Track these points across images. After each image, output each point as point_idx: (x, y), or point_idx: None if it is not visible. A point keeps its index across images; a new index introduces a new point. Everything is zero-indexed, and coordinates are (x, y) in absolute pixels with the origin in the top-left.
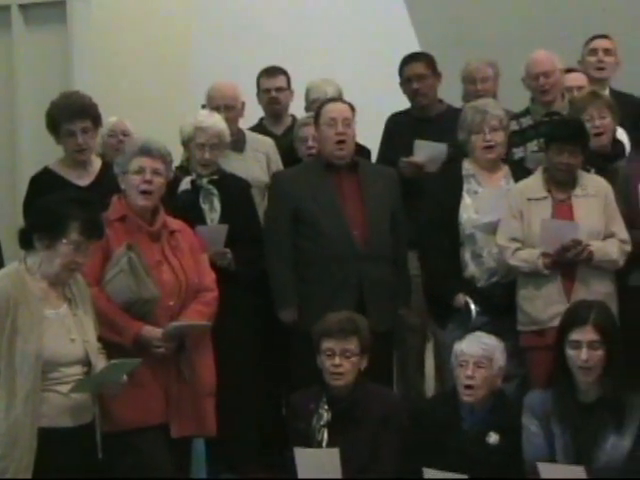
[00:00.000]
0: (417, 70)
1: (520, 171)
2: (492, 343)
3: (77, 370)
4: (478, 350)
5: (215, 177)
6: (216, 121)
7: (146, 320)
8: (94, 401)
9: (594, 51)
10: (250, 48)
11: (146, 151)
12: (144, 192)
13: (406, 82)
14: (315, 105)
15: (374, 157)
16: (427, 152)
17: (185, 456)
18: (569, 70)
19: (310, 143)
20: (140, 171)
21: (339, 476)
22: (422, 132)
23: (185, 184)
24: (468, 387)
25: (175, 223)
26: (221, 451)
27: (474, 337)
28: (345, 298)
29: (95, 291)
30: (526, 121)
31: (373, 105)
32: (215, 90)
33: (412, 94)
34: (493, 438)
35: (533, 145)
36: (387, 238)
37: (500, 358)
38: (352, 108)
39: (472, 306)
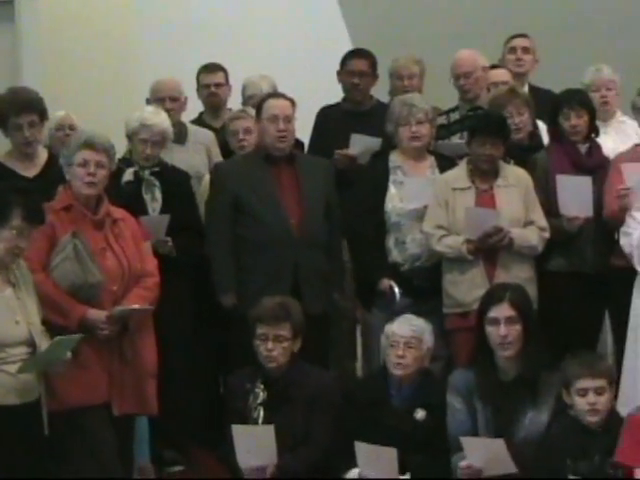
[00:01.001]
0: (361, 67)
1: (445, 162)
2: (421, 325)
3: (22, 350)
4: (408, 331)
5: (157, 169)
6: (161, 120)
7: (91, 304)
8: (39, 380)
9: (513, 49)
10: (191, 46)
11: (90, 145)
12: (88, 183)
13: (347, 75)
14: (252, 100)
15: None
16: (362, 145)
17: (128, 434)
18: (494, 66)
19: (241, 136)
20: (84, 164)
21: (274, 451)
22: (352, 125)
23: (128, 175)
24: (398, 364)
25: (118, 212)
26: (163, 429)
27: (405, 319)
28: (281, 283)
29: (42, 276)
30: (454, 116)
31: (306, 99)
32: (160, 83)
33: (351, 87)
34: (420, 414)
35: (456, 138)
36: (322, 226)
37: (429, 339)
38: (293, 104)
39: (396, 289)
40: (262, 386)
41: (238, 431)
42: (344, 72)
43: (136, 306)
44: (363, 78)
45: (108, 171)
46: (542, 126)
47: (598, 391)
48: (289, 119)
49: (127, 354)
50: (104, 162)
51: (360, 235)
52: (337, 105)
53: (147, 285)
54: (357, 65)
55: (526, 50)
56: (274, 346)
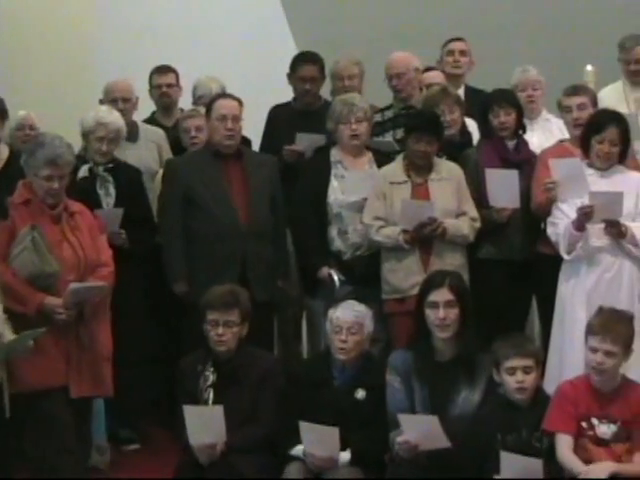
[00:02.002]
0: (312, 73)
1: (381, 157)
2: (363, 311)
3: None
4: (351, 317)
5: (110, 165)
6: (115, 118)
7: (48, 293)
8: (1, 365)
9: (451, 52)
10: (144, 49)
11: (54, 163)
12: (51, 193)
13: (299, 80)
14: (202, 100)
15: (255, 146)
16: (307, 142)
17: (85, 414)
18: (429, 69)
19: (193, 134)
20: (49, 179)
21: (223, 430)
22: (302, 123)
23: (83, 172)
24: (342, 349)
25: (75, 206)
26: (119, 409)
27: (347, 305)
28: (230, 271)
29: (2, 267)
30: (388, 114)
31: (252, 99)
32: (113, 85)
33: (302, 92)
34: (361, 394)
35: (390, 135)
36: (267, 218)
37: (369, 324)
38: (240, 104)
39: (335, 277)
40: (212, 369)
41: (189, 411)
42: (295, 77)
43: (90, 284)
44: (313, 83)
45: (67, 180)
46: (474, 124)
47: (526, 370)
48: (236, 118)
49: (83, 340)
50: (66, 174)
51: (304, 226)
52: (288, 104)
53: (102, 274)
54: (308, 71)
55: (463, 53)
56: (224, 331)
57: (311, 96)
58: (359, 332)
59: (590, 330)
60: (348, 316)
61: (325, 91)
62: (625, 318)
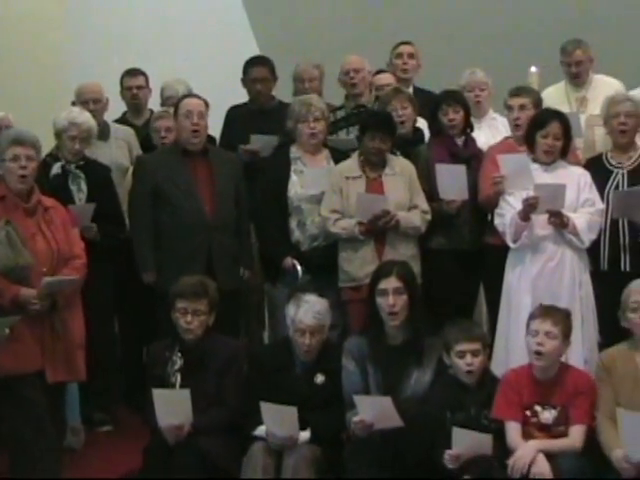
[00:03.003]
0: (262, 74)
1: (338, 154)
2: (323, 310)
3: None
4: (312, 321)
5: (81, 163)
6: (87, 118)
7: (23, 284)
8: None
9: (400, 55)
10: (115, 53)
11: (19, 141)
12: (21, 176)
13: (251, 82)
14: (169, 101)
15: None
16: (261, 143)
17: (60, 398)
18: (380, 71)
19: (163, 133)
20: (16, 159)
21: (190, 412)
22: (258, 123)
23: (56, 169)
24: (306, 352)
25: (48, 201)
26: (93, 393)
27: (309, 307)
28: (197, 262)
29: None
30: (340, 114)
31: (217, 100)
32: (84, 87)
33: (255, 93)
34: (320, 379)
35: (343, 133)
36: (232, 212)
37: (328, 320)
38: (206, 104)
39: (298, 267)
40: (179, 354)
41: (158, 394)
42: (247, 80)
43: (63, 277)
44: (264, 84)
45: (37, 163)
46: (425, 123)
47: (474, 353)
48: (202, 115)
49: (57, 328)
50: (32, 155)
51: (266, 218)
52: (244, 105)
53: (75, 266)
54: (258, 73)
55: (411, 56)
56: (192, 319)
57: (263, 96)
58: (321, 332)
59: (531, 316)
60: (310, 320)
61: (287, 93)
62: (564, 310)
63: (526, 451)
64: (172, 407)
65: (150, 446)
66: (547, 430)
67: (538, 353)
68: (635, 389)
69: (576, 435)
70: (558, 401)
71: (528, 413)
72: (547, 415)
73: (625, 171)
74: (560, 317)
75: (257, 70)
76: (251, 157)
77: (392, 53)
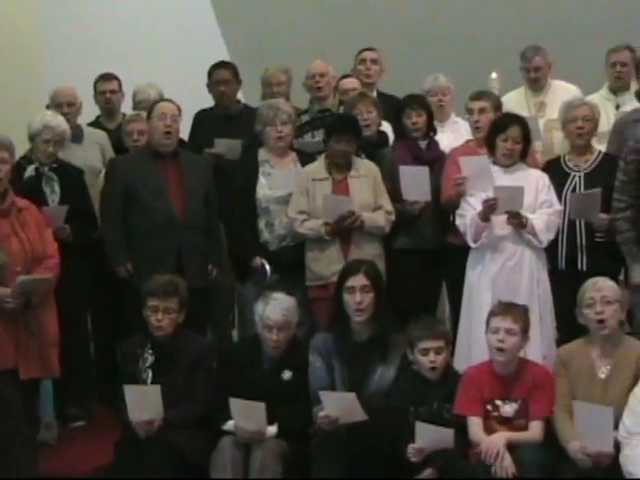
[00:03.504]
0: (224, 76)
1: (304, 157)
2: (290, 307)
3: None
4: (280, 317)
5: (55, 165)
6: (61, 122)
7: None
8: None
9: (363, 61)
10: (88, 58)
11: None
12: None
13: (214, 85)
14: (141, 105)
15: None
16: (225, 146)
17: (34, 394)
18: (345, 76)
19: (135, 136)
20: None
21: (161, 407)
22: (224, 126)
23: (30, 171)
24: (274, 348)
25: (22, 202)
26: (66, 389)
27: (277, 304)
28: (167, 261)
29: None
30: (305, 117)
31: (187, 104)
32: (59, 90)
33: (218, 95)
34: (287, 375)
35: (309, 137)
36: (201, 212)
37: (296, 317)
38: (179, 109)
39: (267, 266)
40: (150, 351)
41: (129, 390)
42: (211, 83)
43: (37, 276)
44: (227, 85)
45: (10, 165)
46: (389, 126)
47: (437, 350)
48: (175, 119)
49: (31, 326)
50: (6, 158)
51: (235, 219)
52: (211, 109)
53: (48, 266)
54: (221, 75)
55: (374, 61)
56: (163, 317)
57: (227, 98)
58: (288, 328)
59: (491, 314)
60: (277, 316)
61: (257, 97)
62: (521, 307)
63: (496, 438)
64: (143, 402)
65: (122, 440)
66: (508, 423)
67: (499, 349)
68: (591, 383)
69: (537, 429)
70: (518, 395)
71: (489, 407)
72: (508, 408)
73: (582, 174)
74: (519, 314)
75: (220, 73)
76: (216, 160)
77: (356, 59)
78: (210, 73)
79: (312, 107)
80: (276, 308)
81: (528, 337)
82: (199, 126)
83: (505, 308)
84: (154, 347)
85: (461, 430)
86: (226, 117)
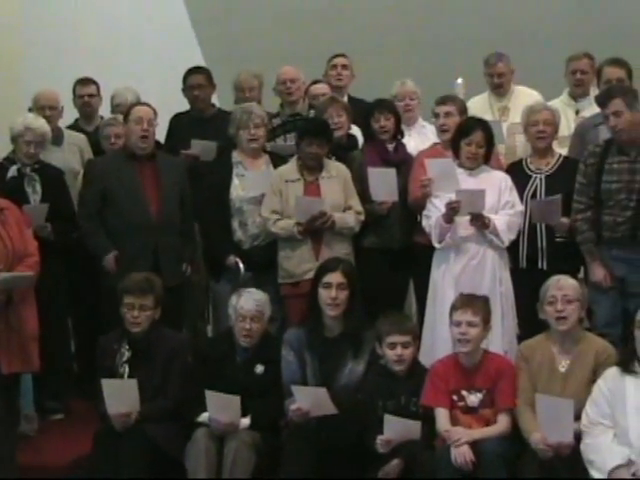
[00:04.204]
0: (198, 80)
1: (277, 159)
2: (263, 299)
3: None
4: (253, 307)
5: (36, 166)
6: (42, 124)
7: None
8: None
9: (334, 66)
10: (68, 63)
11: None
12: None
13: (189, 89)
14: (119, 108)
15: None
16: (200, 148)
17: (14, 388)
18: (316, 81)
19: (112, 140)
20: None
21: (137, 401)
22: (199, 129)
23: (12, 172)
24: (246, 336)
25: (3, 202)
26: (46, 383)
27: (249, 295)
28: (144, 260)
29: None
30: (276, 121)
31: (163, 108)
32: (41, 94)
33: (193, 99)
34: (260, 369)
35: (281, 140)
36: (177, 213)
37: (268, 309)
38: (155, 112)
39: (240, 265)
40: (127, 347)
41: (107, 384)
42: (186, 87)
43: (17, 274)
44: (201, 90)
45: None
46: (358, 130)
47: (404, 345)
48: (151, 122)
49: (12, 321)
50: None
51: (210, 219)
52: (186, 112)
53: (29, 263)
54: (195, 80)
55: (345, 67)
56: (139, 314)
57: (201, 101)
58: (261, 320)
59: (453, 308)
60: (250, 306)
61: (231, 100)
62: (482, 298)
63: (463, 430)
64: (120, 396)
65: (99, 433)
66: (474, 412)
67: (462, 341)
68: (551, 377)
69: (504, 421)
70: (483, 385)
71: (455, 398)
72: (473, 398)
73: (543, 176)
74: (480, 306)
75: (194, 77)
76: (191, 161)
77: (327, 65)
78: (185, 78)
79: (283, 111)
80: (249, 299)
81: (490, 327)
82: (175, 129)
83: (466, 301)
84: (130, 343)
85: (428, 422)
86: (201, 120)
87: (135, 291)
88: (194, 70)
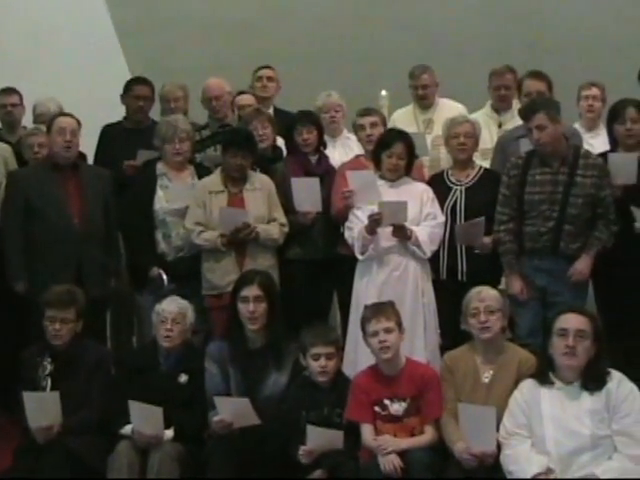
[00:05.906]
0: (145, 92)
1: (202, 170)
2: (185, 304)
3: None
4: (175, 308)
5: None
6: None
7: None
8: None
9: (260, 78)
10: None
11: None
12: None
13: (133, 99)
14: (41, 118)
15: (90, 160)
16: (146, 158)
17: None
18: (241, 92)
19: (35, 149)
20: None
21: (59, 414)
22: (133, 140)
23: None
24: (167, 337)
25: None
26: None
27: (171, 299)
28: (67, 272)
29: None
30: (205, 132)
31: (87, 118)
32: None
33: (136, 109)
34: (183, 378)
35: (211, 150)
36: (101, 224)
37: (191, 316)
38: (78, 123)
39: (164, 276)
40: (49, 359)
41: (28, 397)
42: (129, 96)
43: None
44: (146, 102)
45: None
46: (282, 141)
47: (328, 356)
48: (74, 133)
49: None
50: None
51: (133, 231)
52: (119, 123)
53: None
54: (142, 91)
55: (270, 79)
56: (61, 326)
57: (143, 113)
58: (182, 322)
59: (364, 321)
60: (172, 308)
61: (155, 112)
62: (389, 303)
63: (391, 439)
64: (42, 409)
65: (21, 446)
66: (398, 421)
67: (384, 349)
68: (475, 387)
69: (432, 431)
70: (407, 393)
71: (377, 409)
72: (397, 407)
73: (463, 187)
74: (390, 310)
75: (141, 88)
76: (135, 172)
77: (253, 76)
78: (129, 87)
79: (212, 122)
80: (172, 302)
81: (404, 328)
82: (107, 140)
83: (376, 310)
84: (52, 356)
85: (351, 433)
86: (135, 131)
87: (56, 304)
88: (141, 81)
